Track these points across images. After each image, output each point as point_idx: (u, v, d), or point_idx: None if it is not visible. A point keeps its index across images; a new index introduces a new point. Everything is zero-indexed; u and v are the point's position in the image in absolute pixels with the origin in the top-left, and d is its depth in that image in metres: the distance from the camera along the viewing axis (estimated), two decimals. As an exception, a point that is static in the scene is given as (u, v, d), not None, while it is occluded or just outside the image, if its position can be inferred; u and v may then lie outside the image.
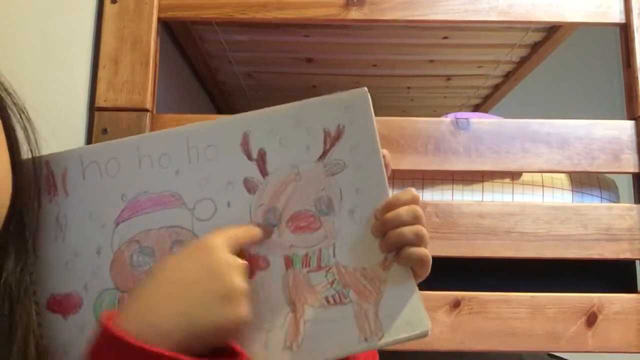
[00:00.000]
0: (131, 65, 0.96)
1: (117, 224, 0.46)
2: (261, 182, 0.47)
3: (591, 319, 0.91)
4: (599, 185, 1.09)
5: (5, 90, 0.44)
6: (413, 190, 0.49)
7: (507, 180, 1.07)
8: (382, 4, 1.01)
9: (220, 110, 1.93)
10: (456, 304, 0.92)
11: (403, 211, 0.47)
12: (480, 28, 1.32)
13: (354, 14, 1.01)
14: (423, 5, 1.02)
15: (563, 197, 1.07)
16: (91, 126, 0.93)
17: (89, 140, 0.92)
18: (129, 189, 0.46)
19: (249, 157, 0.47)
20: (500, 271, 0.98)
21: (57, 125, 0.79)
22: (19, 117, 0.45)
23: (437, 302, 0.91)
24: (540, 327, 0.91)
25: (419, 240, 0.47)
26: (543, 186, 1.07)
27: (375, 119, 0.49)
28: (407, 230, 0.47)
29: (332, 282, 0.48)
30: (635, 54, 1.00)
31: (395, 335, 0.46)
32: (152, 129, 0.95)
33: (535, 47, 1.43)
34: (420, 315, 0.47)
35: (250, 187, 0.47)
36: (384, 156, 0.49)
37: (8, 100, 0.44)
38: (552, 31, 1.30)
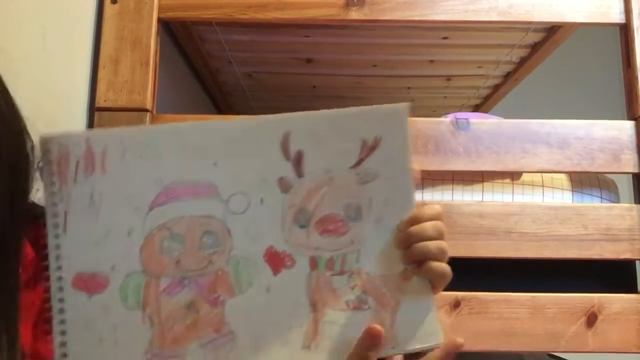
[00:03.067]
0: (131, 65, 0.96)
1: (151, 209, 0.45)
2: (295, 183, 0.48)
3: (591, 319, 0.91)
4: (599, 186, 1.09)
5: None
6: (437, 206, 0.50)
7: (507, 180, 1.07)
8: (382, 4, 1.01)
9: (220, 111, 1.93)
10: (456, 304, 0.92)
11: (428, 226, 0.49)
12: (481, 28, 1.32)
13: (354, 14, 1.01)
14: (423, 6, 1.02)
15: (563, 197, 1.07)
16: (91, 126, 0.93)
17: (89, 141, 0.92)
18: (166, 175, 0.46)
19: (287, 157, 0.48)
20: (500, 271, 0.98)
21: (57, 125, 0.79)
22: None
23: (437, 302, 0.91)
24: (541, 327, 0.91)
25: (441, 256, 0.49)
26: (543, 186, 1.07)
27: (410, 135, 0.50)
28: (432, 244, 0.48)
29: (353, 287, 0.49)
30: (635, 54, 1.00)
31: (409, 345, 0.47)
32: (152, 129, 0.95)
33: (535, 47, 1.43)
34: (434, 329, 0.48)
35: (284, 186, 0.48)
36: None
37: None
38: (552, 31, 1.30)
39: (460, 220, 0.93)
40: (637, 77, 0.99)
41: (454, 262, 0.52)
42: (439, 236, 0.49)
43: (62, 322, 0.43)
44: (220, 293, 0.46)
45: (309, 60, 1.55)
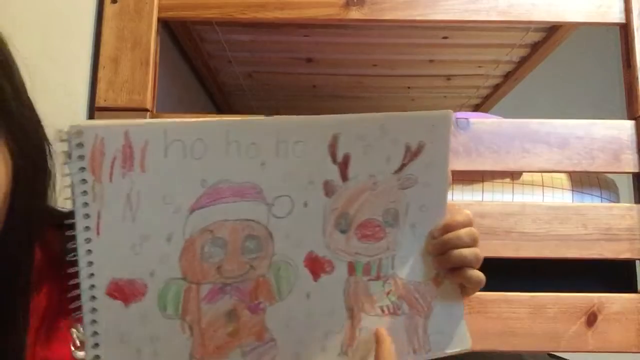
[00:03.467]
0: (131, 65, 0.96)
1: (192, 211, 0.42)
2: (340, 187, 0.46)
3: (591, 319, 0.91)
4: (599, 185, 1.09)
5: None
6: (468, 211, 0.51)
7: (507, 180, 1.07)
8: (382, 3, 1.01)
9: (220, 110, 1.93)
10: (456, 304, 0.92)
11: (463, 233, 0.49)
12: (481, 28, 1.32)
13: (354, 14, 1.01)
14: (423, 5, 1.02)
15: (563, 197, 1.06)
16: (91, 126, 0.93)
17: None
18: (211, 175, 0.42)
19: (334, 160, 0.46)
20: (500, 271, 0.98)
21: (57, 125, 0.79)
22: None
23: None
24: (541, 327, 0.91)
25: (477, 263, 0.50)
26: (543, 186, 1.07)
27: (450, 142, 0.50)
28: (468, 252, 0.49)
29: (388, 293, 0.49)
30: (636, 54, 1.00)
31: (441, 350, 0.48)
32: (152, 129, 0.95)
33: (535, 47, 1.42)
34: (464, 333, 0.50)
35: (329, 189, 0.46)
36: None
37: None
38: (552, 31, 1.30)
39: (460, 220, 0.93)
40: (637, 77, 0.99)
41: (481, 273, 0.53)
42: (473, 243, 0.50)
43: (95, 334, 0.39)
44: (262, 299, 0.44)
45: (309, 60, 1.55)
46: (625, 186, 1.11)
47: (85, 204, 0.39)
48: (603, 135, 0.97)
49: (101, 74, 0.95)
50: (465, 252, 0.49)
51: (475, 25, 1.27)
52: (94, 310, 0.39)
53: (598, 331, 0.91)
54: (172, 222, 0.41)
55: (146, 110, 0.94)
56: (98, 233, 0.39)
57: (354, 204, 0.47)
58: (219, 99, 1.87)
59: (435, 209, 0.50)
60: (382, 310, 0.48)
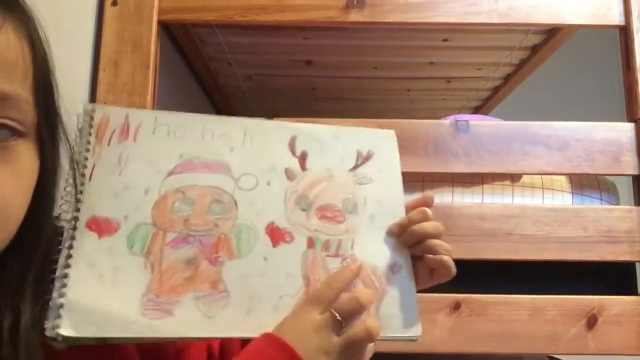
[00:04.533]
0: (131, 67, 0.96)
1: (169, 174, 0.51)
2: (299, 174, 0.55)
3: (591, 322, 0.91)
4: (599, 187, 1.09)
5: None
6: (426, 209, 0.56)
7: (507, 182, 1.07)
8: (382, 6, 1.01)
9: (220, 113, 1.93)
10: (456, 307, 0.92)
11: (428, 225, 0.55)
12: (481, 30, 1.32)
13: (354, 16, 1.01)
14: (423, 8, 1.02)
15: (563, 199, 1.07)
16: (91, 128, 0.93)
17: (89, 143, 0.92)
18: (187, 151, 0.53)
19: (293, 154, 0.56)
20: (501, 273, 0.98)
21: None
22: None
23: (437, 304, 0.91)
24: (541, 329, 0.91)
25: (442, 249, 0.54)
26: (543, 188, 1.07)
27: (398, 158, 0.60)
28: (435, 241, 0.55)
29: None
30: (635, 56, 1.00)
31: (389, 333, 0.51)
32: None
33: (535, 49, 1.43)
34: (414, 320, 0.53)
35: (289, 175, 0.55)
36: (430, 198, 0.58)
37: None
38: (552, 33, 1.30)
39: (460, 222, 0.93)
40: (636, 79, 0.99)
41: (454, 264, 0.53)
42: (438, 235, 0.55)
43: (69, 256, 0.46)
44: (221, 254, 0.50)
45: (309, 62, 1.55)
46: (625, 188, 1.11)
47: (86, 159, 0.49)
48: (603, 137, 0.97)
49: (101, 76, 0.95)
50: (435, 240, 0.54)
51: (475, 28, 1.28)
52: (72, 237, 0.46)
53: (598, 333, 0.91)
54: (151, 180, 0.51)
55: (146, 112, 0.94)
56: (90, 179, 0.49)
57: (313, 189, 0.55)
58: (219, 101, 1.87)
59: (393, 207, 0.57)
60: None
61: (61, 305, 0.43)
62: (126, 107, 0.55)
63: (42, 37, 0.45)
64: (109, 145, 0.51)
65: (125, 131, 0.52)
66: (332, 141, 0.58)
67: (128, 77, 0.96)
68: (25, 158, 0.42)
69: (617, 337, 0.91)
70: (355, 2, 1.01)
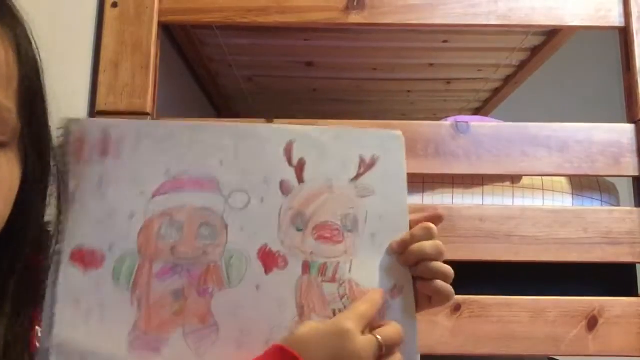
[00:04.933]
0: (132, 69, 0.96)
1: (154, 196, 0.48)
2: (296, 187, 0.51)
3: (592, 323, 0.91)
4: (599, 189, 1.09)
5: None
6: (431, 225, 0.51)
7: (507, 183, 1.07)
8: (382, 7, 1.01)
9: (220, 114, 1.93)
10: (457, 308, 0.92)
11: (427, 245, 0.50)
12: (480, 32, 1.33)
13: (354, 18, 1.01)
14: (423, 9, 1.02)
15: (563, 200, 1.06)
16: (92, 130, 0.93)
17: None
18: (174, 166, 0.49)
19: (290, 163, 0.51)
20: (501, 275, 0.98)
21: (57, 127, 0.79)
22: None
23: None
24: (541, 330, 0.91)
25: (444, 275, 0.51)
26: (543, 190, 1.07)
27: (405, 160, 0.55)
28: (434, 264, 0.50)
29: (342, 297, 0.50)
30: (635, 58, 1.00)
31: None
32: (152, 133, 0.95)
33: (535, 50, 1.43)
34: (414, 350, 0.50)
35: (285, 189, 0.51)
36: (439, 216, 0.53)
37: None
38: (551, 35, 1.31)
39: (461, 224, 0.93)
40: (636, 81, 0.99)
41: (455, 265, 0.52)
42: (438, 256, 0.50)
43: (54, 293, 0.45)
44: (210, 285, 0.47)
45: (309, 64, 1.55)
46: (625, 189, 1.11)
47: (66, 179, 0.47)
48: (603, 138, 0.97)
49: (102, 77, 0.95)
50: (433, 264, 0.50)
51: (475, 29, 1.28)
52: (57, 272, 0.45)
53: (599, 335, 0.91)
54: (136, 203, 0.48)
55: (146, 114, 0.94)
56: (73, 201, 0.47)
57: (310, 205, 0.51)
58: (219, 102, 1.87)
59: (396, 221, 0.52)
60: (334, 313, 0.49)
61: (49, 349, 0.43)
62: (106, 119, 0.53)
63: (32, 45, 0.43)
64: (88, 163, 0.48)
65: (106, 146, 0.48)
66: (333, 145, 0.53)
67: (128, 78, 0.96)
68: (4, 169, 0.39)
69: (618, 339, 0.91)
70: (355, 4, 1.01)
